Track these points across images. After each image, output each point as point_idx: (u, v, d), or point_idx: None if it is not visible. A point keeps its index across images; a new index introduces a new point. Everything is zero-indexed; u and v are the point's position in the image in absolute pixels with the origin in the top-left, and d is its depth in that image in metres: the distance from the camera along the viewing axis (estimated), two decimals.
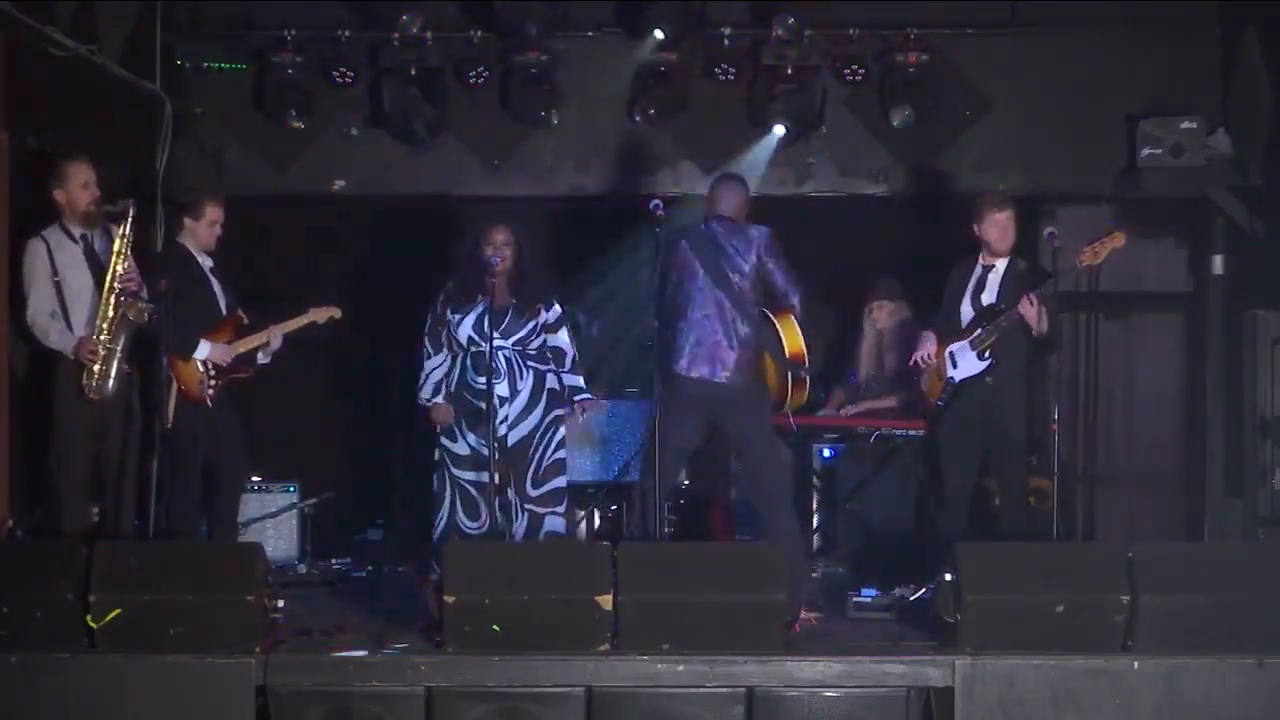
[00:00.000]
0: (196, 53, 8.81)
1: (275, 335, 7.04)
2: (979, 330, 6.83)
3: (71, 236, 6.63)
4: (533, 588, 5.43)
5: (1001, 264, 6.90)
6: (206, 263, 7.03)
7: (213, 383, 6.84)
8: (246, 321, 7.06)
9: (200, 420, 6.83)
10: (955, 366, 6.88)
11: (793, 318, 6.77)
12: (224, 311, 7.02)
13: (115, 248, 6.56)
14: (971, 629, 5.39)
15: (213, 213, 6.99)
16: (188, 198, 7.05)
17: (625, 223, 8.94)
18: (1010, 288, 6.84)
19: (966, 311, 6.94)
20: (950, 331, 6.95)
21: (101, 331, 6.49)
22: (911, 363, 7.09)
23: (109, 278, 6.53)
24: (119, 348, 6.53)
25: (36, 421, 6.68)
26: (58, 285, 6.54)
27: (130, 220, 6.58)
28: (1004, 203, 6.93)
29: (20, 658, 5.29)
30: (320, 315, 7.13)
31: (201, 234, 6.99)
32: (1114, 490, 9.04)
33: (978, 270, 6.95)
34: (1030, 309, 6.62)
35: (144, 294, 6.58)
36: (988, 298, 6.89)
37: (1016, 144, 8.83)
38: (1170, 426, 9.12)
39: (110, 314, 6.50)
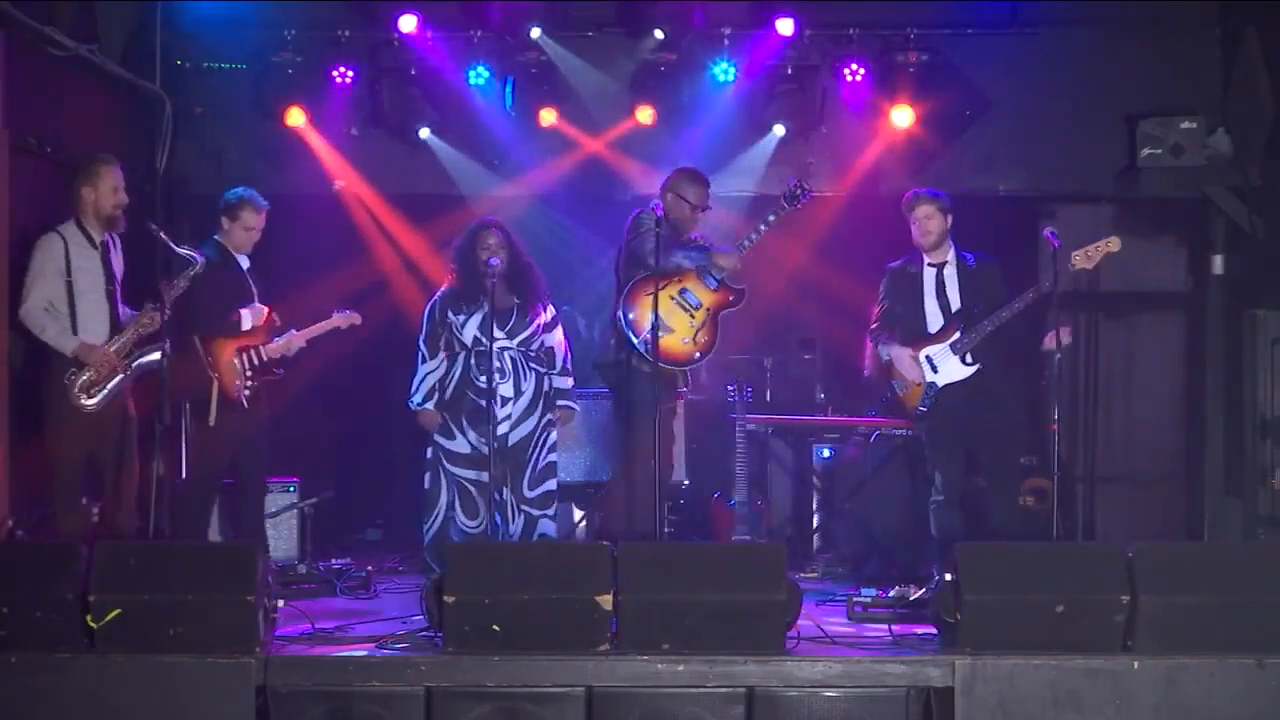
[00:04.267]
0: (196, 53, 8.81)
1: (299, 340, 7.20)
2: (958, 335, 6.84)
3: (90, 240, 6.69)
4: (533, 588, 5.43)
5: (950, 259, 6.99)
6: (244, 264, 7.19)
7: (249, 383, 6.92)
8: (279, 323, 7.22)
9: (233, 421, 6.94)
10: (936, 371, 6.89)
11: None
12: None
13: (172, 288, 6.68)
14: (971, 629, 5.39)
15: (249, 219, 7.17)
16: (230, 200, 7.19)
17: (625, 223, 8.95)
18: (968, 285, 6.92)
19: (933, 313, 6.95)
20: (916, 334, 6.96)
21: (119, 344, 6.59)
22: (884, 370, 7.12)
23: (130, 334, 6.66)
24: (128, 371, 6.60)
25: (31, 420, 6.71)
26: (69, 285, 6.59)
27: (194, 273, 6.73)
28: (917, 201, 7.05)
29: (20, 658, 5.29)
30: (343, 321, 7.33)
31: (237, 237, 7.16)
32: (1114, 490, 9.05)
33: (929, 272, 7.00)
34: (1058, 337, 6.66)
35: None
36: (954, 299, 6.92)
37: (1016, 144, 8.83)
38: (1170, 426, 9.12)
39: (131, 337, 6.58)
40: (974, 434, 6.94)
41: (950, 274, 6.99)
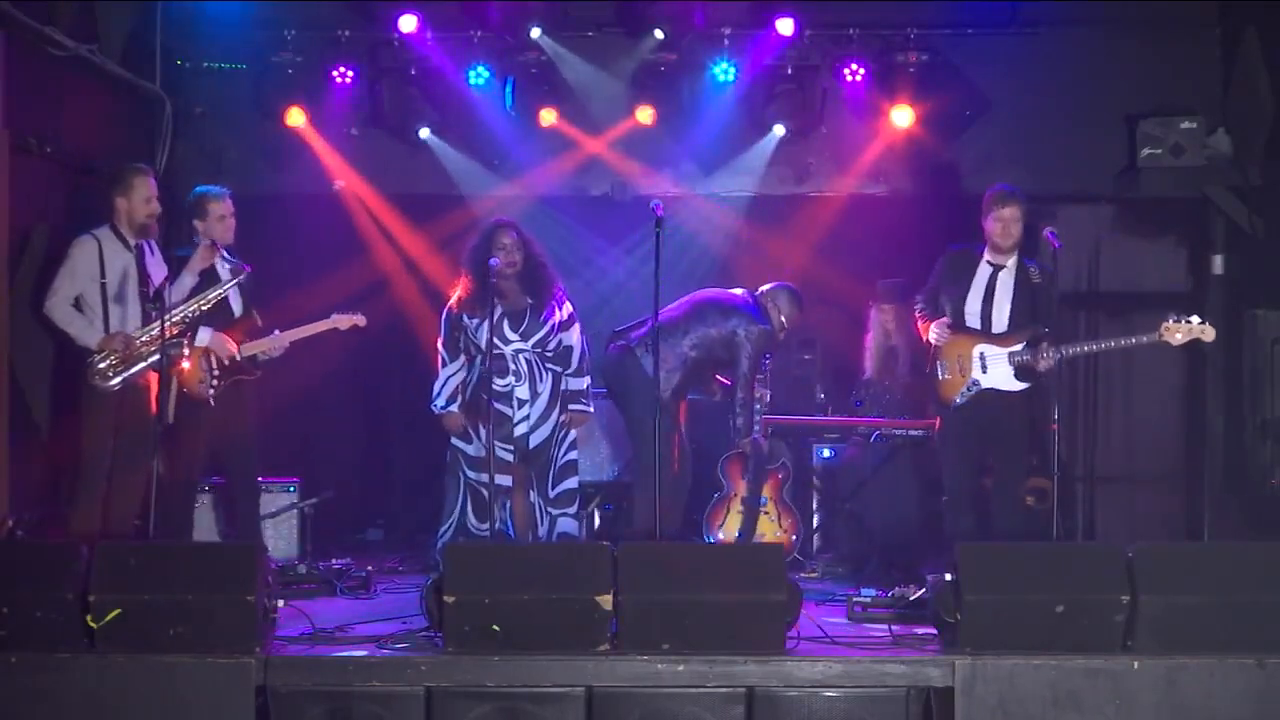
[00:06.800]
0: (196, 53, 8.82)
1: (283, 340, 7.08)
2: (1020, 346, 6.72)
3: (125, 244, 6.72)
4: (533, 588, 5.42)
5: (1010, 265, 6.82)
6: (225, 264, 7.05)
7: (215, 381, 6.85)
8: (260, 324, 7.10)
9: (204, 420, 6.85)
10: (984, 372, 6.78)
11: None
12: (237, 312, 7.06)
13: (212, 293, 6.81)
14: (971, 629, 5.39)
15: (216, 208, 7.03)
16: (189, 201, 7.10)
17: (626, 222, 8.97)
18: (1023, 297, 6.77)
19: (972, 311, 6.84)
20: (953, 326, 6.86)
21: (145, 337, 6.57)
22: (932, 349, 7.01)
23: (194, 306, 6.77)
24: (148, 362, 6.57)
25: (63, 416, 6.77)
26: (103, 287, 6.63)
27: (236, 282, 6.87)
28: (1008, 199, 6.80)
29: (20, 658, 5.28)
30: (343, 322, 7.17)
31: (215, 230, 7.02)
32: (1114, 490, 9.05)
33: (985, 269, 6.86)
34: (1048, 363, 6.66)
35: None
36: (999, 307, 6.79)
37: (1016, 144, 8.82)
38: (1170, 426, 9.11)
39: (156, 334, 6.51)
40: (993, 440, 6.88)
41: (1005, 280, 6.81)
